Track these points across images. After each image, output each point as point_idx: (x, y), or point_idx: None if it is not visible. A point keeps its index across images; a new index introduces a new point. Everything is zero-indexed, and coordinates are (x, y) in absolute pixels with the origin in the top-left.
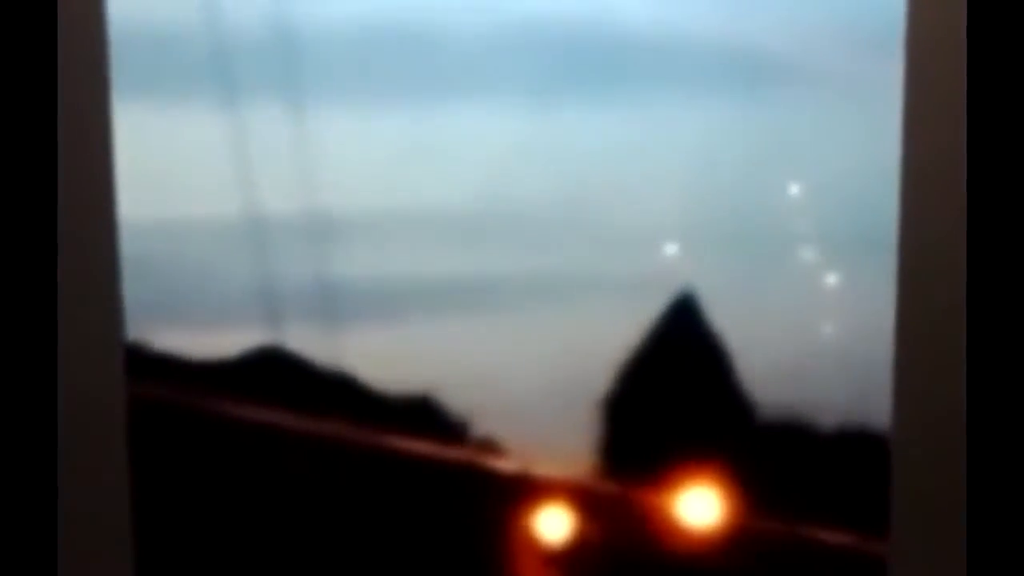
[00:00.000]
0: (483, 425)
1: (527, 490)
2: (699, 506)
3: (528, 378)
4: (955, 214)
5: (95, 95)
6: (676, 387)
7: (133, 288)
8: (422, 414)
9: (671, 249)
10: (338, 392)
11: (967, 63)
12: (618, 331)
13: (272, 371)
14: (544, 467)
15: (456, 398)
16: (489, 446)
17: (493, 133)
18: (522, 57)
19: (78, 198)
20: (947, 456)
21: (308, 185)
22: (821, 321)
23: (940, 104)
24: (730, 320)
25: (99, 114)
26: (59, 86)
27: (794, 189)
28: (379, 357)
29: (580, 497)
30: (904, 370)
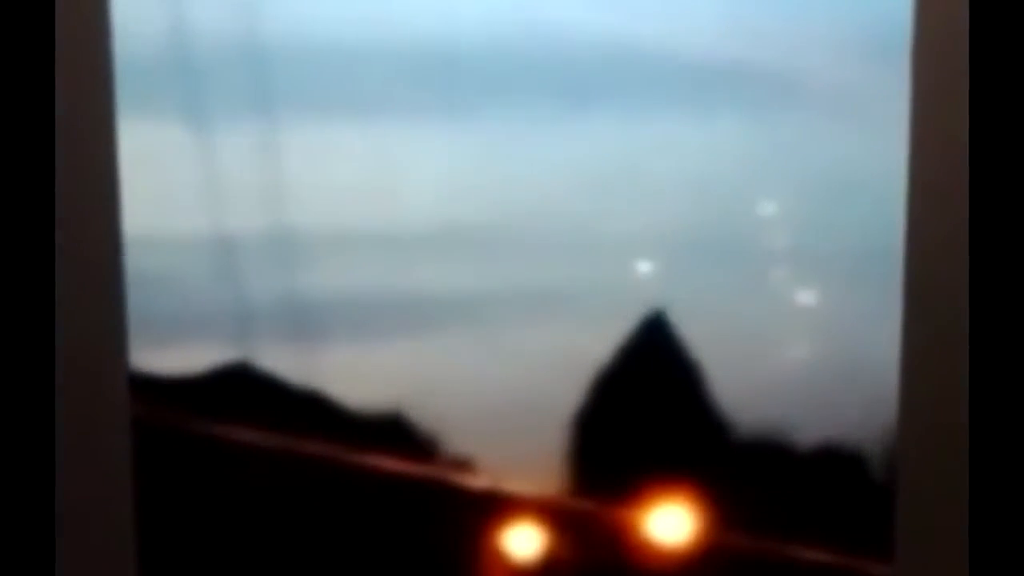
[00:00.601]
0: (453, 442)
1: (497, 507)
2: (671, 523)
3: (499, 394)
4: (959, 224)
5: (98, 108)
6: (648, 403)
7: None
8: (392, 431)
9: (645, 266)
10: (308, 409)
11: (971, 72)
12: (590, 347)
13: (242, 388)
14: (515, 484)
15: (427, 415)
16: (459, 463)
17: (464, 149)
18: (495, 72)
19: (81, 212)
20: (951, 470)
21: (278, 202)
22: (796, 339)
23: (945, 114)
24: (704, 337)
25: (103, 127)
26: (59, 98)
27: (771, 206)
28: (350, 374)
29: (551, 514)
30: (909, 386)
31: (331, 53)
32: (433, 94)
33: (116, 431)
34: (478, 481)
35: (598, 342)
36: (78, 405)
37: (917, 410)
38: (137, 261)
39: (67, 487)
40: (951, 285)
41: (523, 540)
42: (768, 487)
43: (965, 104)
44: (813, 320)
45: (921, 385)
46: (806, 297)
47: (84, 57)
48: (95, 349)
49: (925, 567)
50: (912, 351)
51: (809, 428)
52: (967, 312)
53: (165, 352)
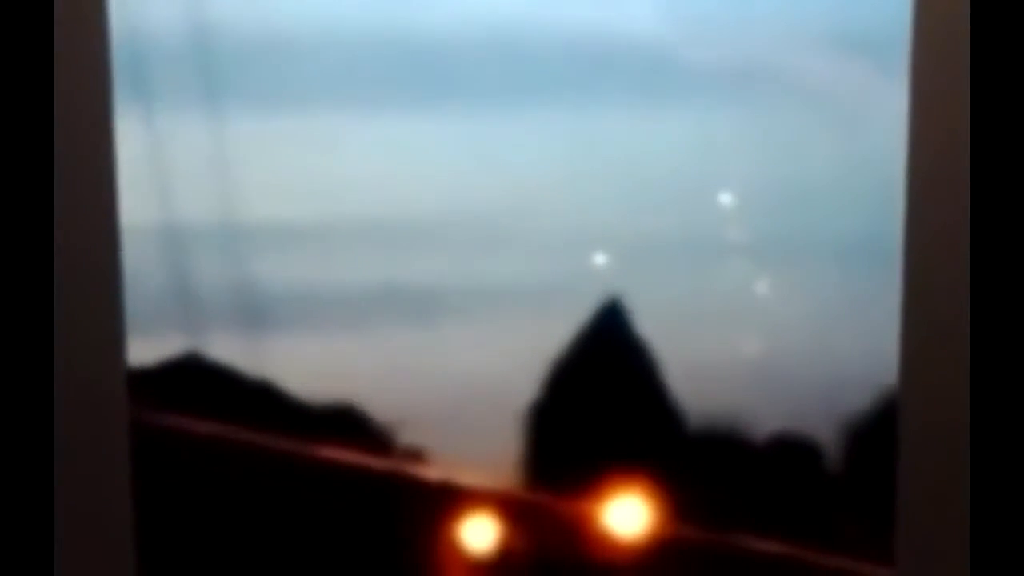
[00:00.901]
0: (408, 434)
1: (452, 499)
2: (626, 515)
3: (454, 387)
4: (959, 218)
5: (95, 99)
6: (603, 395)
7: None
8: (346, 423)
9: (601, 258)
10: (261, 401)
11: (971, 66)
12: (545, 340)
13: (193, 380)
14: (470, 476)
15: (381, 407)
16: (414, 455)
17: (420, 142)
18: (454, 66)
19: (77, 205)
20: (952, 470)
21: (228, 193)
22: (752, 330)
23: (944, 108)
24: (661, 329)
25: (100, 118)
26: (57, 93)
27: (732, 198)
28: (302, 366)
29: (506, 506)
30: (910, 379)
31: (284, 43)
32: (390, 86)
33: (114, 431)
34: (433, 473)
35: (554, 335)
36: (76, 405)
37: (916, 410)
38: None
39: (66, 488)
40: (951, 282)
41: (478, 532)
42: (723, 478)
43: (966, 104)
44: (770, 312)
45: (921, 385)
46: (763, 289)
47: (81, 50)
48: (92, 346)
49: (925, 569)
50: (911, 349)
51: (764, 419)
52: (967, 313)
53: None
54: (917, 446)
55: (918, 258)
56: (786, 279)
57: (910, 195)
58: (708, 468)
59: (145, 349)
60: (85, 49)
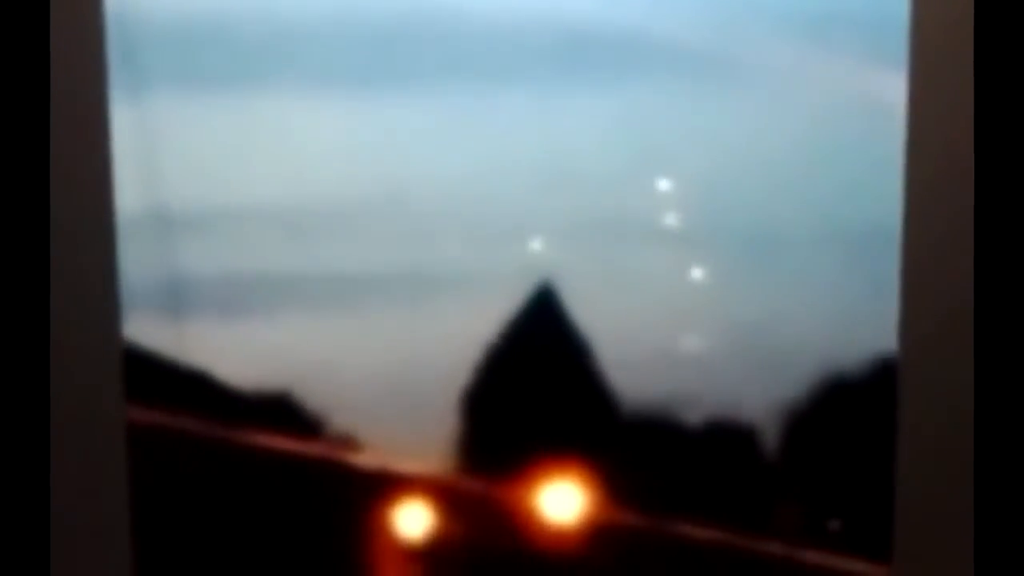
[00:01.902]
0: (341, 421)
1: (386, 486)
2: (562, 501)
3: (387, 374)
4: (961, 211)
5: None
6: (536, 380)
7: None
8: (279, 410)
9: (536, 244)
10: (192, 388)
11: (974, 57)
12: (479, 326)
13: (125, 367)
14: (403, 463)
15: (314, 394)
16: (348, 442)
17: (355, 127)
18: (390, 49)
19: (72, 198)
20: (955, 452)
21: (153, 179)
22: (687, 315)
23: (945, 100)
24: (596, 315)
25: (96, 109)
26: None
27: (665, 183)
28: (235, 353)
29: (440, 493)
30: (911, 381)
31: (201, 26)
32: (317, 69)
33: (111, 432)
34: (367, 460)
35: (488, 321)
36: (72, 407)
37: (918, 406)
38: None
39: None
40: (952, 278)
41: (412, 519)
42: (658, 464)
43: (968, 104)
44: (705, 297)
45: (922, 379)
46: (698, 275)
47: (77, 41)
48: (88, 338)
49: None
50: (912, 346)
51: (699, 405)
52: (971, 313)
53: None
54: (917, 441)
55: (918, 248)
56: (722, 264)
57: (910, 187)
58: (643, 453)
59: None
60: (79, 39)
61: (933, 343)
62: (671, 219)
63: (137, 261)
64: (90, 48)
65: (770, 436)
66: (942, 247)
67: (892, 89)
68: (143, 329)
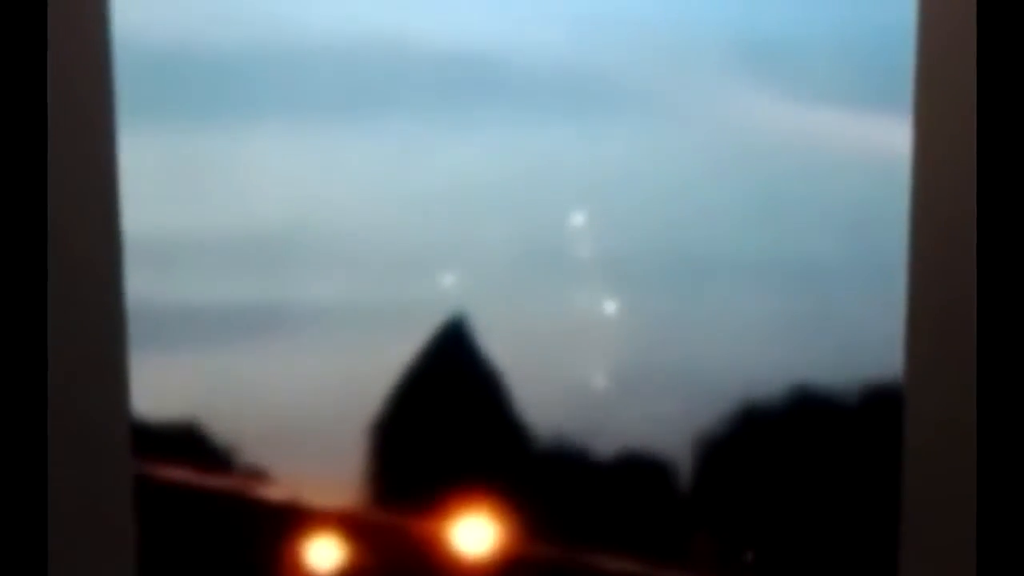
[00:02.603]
0: (250, 454)
1: (296, 519)
2: (473, 534)
3: (297, 406)
4: (966, 217)
5: (96, 107)
6: (447, 413)
7: None
8: (187, 442)
9: (449, 277)
10: None
11: (978, 67)
12: (390, 358)
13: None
14: (313, 496)
15: (222, 427)
16: (256, 475)
17: (270, 158)
18: (308, 78)
19: (77, 216)
20: (961, 465)
21: None
22: (600, 347)
23: (950, 111)
24: (507, 347)
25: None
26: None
27: (581, 216)
28: (143, 384)
29: (351, 526)
30: (916, 386)
31: (151, 55)
32: (252, 99)
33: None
34: (276, 493)
35: (399, 353)
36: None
37: (925, 418)
38: None
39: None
40: (957, 287)
41: (323, 553)
42: (571, 496)
43: (972, 101)
44: (618, 329)
45: (928, 394)
46: (611, 307)
47: (80, 55)
48: (92, 353)
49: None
50: (917, 355)
51: (613, 437)
52: (974, 318)
53: None
54: (922, 453)
55: (924, 259)
56: (635, 297)
57: (916, 195)
58: (556, 486)
59: None
60: (83, 49)
61: (936, 366)
62: (584, 251)
63: None
64: (93, 73)
65: (684, 467)
66: (946, 270)
67: (813, 123)
68: None
